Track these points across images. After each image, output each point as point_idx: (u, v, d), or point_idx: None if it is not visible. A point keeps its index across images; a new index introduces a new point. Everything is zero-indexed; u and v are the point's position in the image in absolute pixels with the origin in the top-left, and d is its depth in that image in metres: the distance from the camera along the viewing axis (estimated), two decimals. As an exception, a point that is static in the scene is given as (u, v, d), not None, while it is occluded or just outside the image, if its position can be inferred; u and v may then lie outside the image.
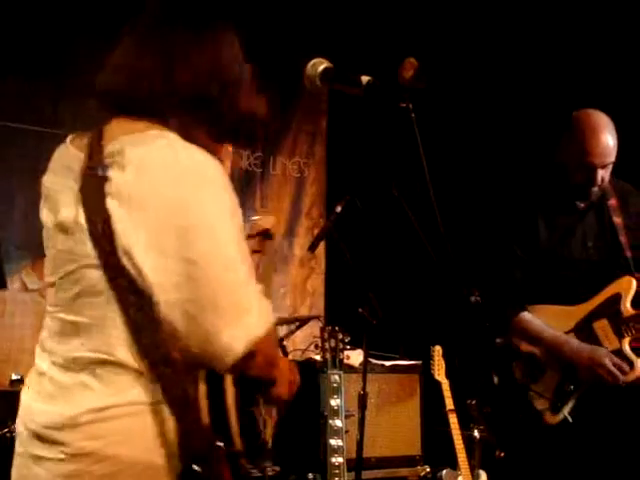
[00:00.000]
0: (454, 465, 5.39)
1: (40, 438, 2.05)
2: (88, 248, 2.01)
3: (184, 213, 1.97)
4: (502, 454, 3.89)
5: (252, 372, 2.08)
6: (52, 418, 2.03)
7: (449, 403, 5.43)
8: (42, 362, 2.13)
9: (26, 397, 2.14)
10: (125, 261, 1.97)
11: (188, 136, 2.09)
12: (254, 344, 2.00)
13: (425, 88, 2.30)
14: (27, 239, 4.61)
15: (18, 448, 2.12)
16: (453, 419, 5.39)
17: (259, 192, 6.62)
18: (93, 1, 5.50)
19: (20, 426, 2.13)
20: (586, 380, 3.73)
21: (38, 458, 2.05)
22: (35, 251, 4.24)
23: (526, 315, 3.88)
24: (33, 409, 2.09)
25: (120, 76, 2.14)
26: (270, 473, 4.77)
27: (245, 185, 6.53)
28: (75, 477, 1.99)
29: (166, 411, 1.98)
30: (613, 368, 3.66)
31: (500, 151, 6.17)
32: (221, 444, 2.04)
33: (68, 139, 2.19)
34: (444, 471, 5.44)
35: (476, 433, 5.08)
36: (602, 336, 3.73)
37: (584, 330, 3.73)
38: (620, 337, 3.69)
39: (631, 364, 3.68)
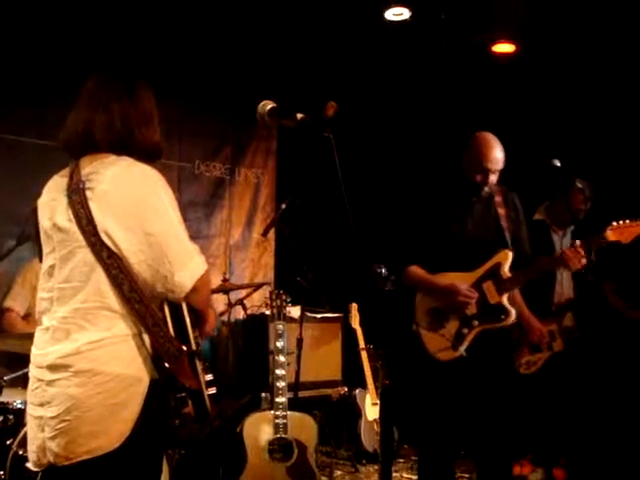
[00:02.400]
0: (364, 386, 5.50)
1: (52, 368, 2.19)
2: (77, 236, 2.21)
3: (141, 203, 2.21)
4: (388, 381, 3.97)
5: (195, 299, 2.28)
6: (61, 352, 2.18)
7: (361, 343, 5.53)
8: (47, 321, 2.27)
9: (36, 347, 2.28)
10: (105, 239, 2.18)
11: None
12: (197, 280, 2.24)
13: (341, 122, 2.37)
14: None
15: (32, 384, 2.25)
16: (364, 354, 5.49)
17: (228, 193, 6.63)
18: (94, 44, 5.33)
19: (33, 367, 2.26)
20: (451, 305, 3.69)
21: (51, 382, 2.18)
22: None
23: (413, 268, 3.80)
24: (47, 351, 2.21)
25: (78, 128, 2.33)
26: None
27: (218, 188, 6.55)
28: (81, 386, 2.14)
29: (142, 338, 2.21)
30: (465, 294, 3.67)
31: (409, 163, 6.24)
32: (184, 347, 2.23)
33: (55, 175, 2.39)
34: (357, 390, 5.53)
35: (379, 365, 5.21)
36: (488, 293, 3.69)
37: (476, 289, 3.68)
38: (500, 293, 3.67)
39: (507, 313, 3.65)
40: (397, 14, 5.27)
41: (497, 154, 3.74)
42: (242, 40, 5.64)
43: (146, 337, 2.20)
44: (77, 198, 2.21)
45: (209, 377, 2.30)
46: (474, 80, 5.88)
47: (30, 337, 4.09)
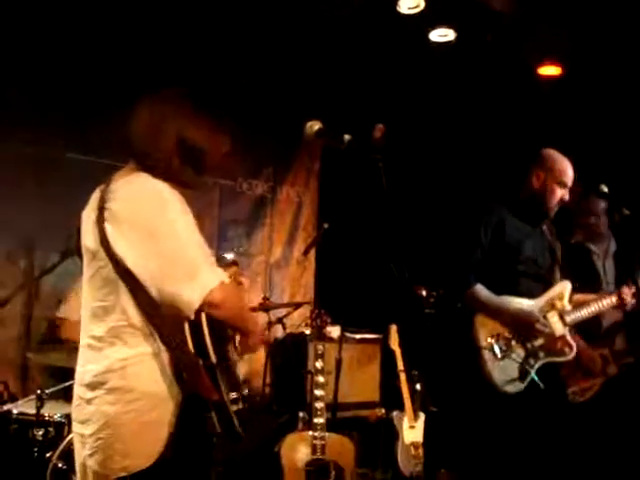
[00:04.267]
0: (402, 408, 5.44)
1: (89, 386, 2.21)
2: (101, 254, 2.21)
3: (149, 224, 2.18)
4: (434, 408, 3.85)
5: (218, 315, 2.22)
6: (96, 370, 2.21)
7: (400, 365, 5.47)
8: (83, 340, 2.29)
9: (78, 364, 2.30)
10: (121, 259, 2.17)
11: (173, 175, 2.29)
12: (207, 295, 2.15)
13: (387, 145, 2.36)
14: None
15: (75, 401, 2.28)
16: (402, 377, 5.42)
17: (269, 211, 6.64)
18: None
19: (76, 384, 2.29)
20: (525, 335, 3.54)
21: (90, 400, 2.21)
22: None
23: (479, 287, 3.57)
24: (85, 369, 2.25)
25: (136, 133, 2.33)
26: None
27: (259, 206, 6.56)
28: (114, 403, 2.16)
29: (163, 356, 2.19)
30: (543, 323, 3.53)
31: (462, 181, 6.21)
32: (200, 360, 2.19)
33: (98, 187, 2.38)
34: (395, 412, 5.46)
35: (418, 387, 5.14)
36: (553, 325, 3.59)
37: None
38: (564, 325, 3.62)
39: (571, 347, 3.60)
40: (442, 35, 5.27)
41: (571, 171, 3.68)
42: (289, 60, 5.67)
43: (167, 353, 2.20)
44: (99, 217, 2.24)
45: (235, 394, 2.26)
46: (520, 102, 5.84)
47: (73, 350, 4.16)
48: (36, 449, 3.81)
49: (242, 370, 2.34)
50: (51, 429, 3.87)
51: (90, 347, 2.24)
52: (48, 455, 3.77)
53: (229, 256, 2.56)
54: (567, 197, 3.71)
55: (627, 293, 3.83)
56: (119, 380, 2.16)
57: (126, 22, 5.09)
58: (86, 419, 2.20)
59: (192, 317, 2.18)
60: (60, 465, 3.72)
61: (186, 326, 2.20)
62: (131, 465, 2.15)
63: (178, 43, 5.29)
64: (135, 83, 5.10)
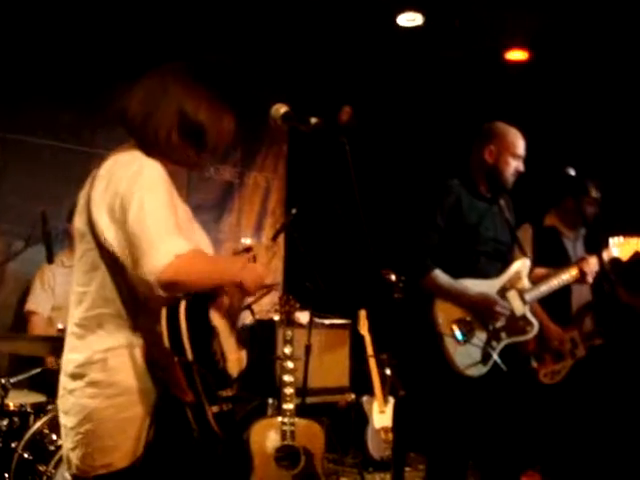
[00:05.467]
0: (372, 393, 5.46)
1: (72, 376, 2.13)
2: (88, 237, 2.11)
3: (125, 198, 2.02)
4: (403, 392, 3.84)
5: (180, 288, 2.02)
6: (77, 360, 2.12)
7: (369, 351, 5.48)
8: (69, 327, 2.20)
9: (63, 354, 2.21)
10: (103, 240, 2.06)
11: (171, 151, 2.18)
12: (176, 259, 1.94)
13: (356, 127, 2.32)
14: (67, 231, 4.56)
15: (60, 390, 2.18)
16: (372, 362, 5.45)
17: (237, 197, 6.61)
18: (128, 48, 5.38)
19: (61, 375, 2.19)
20: (486, 318, 3.49)
21: (71, 391, 2.13)
22: (71, 240, 4.18)
23: (437, 272, 3.50)
24: (67, 358, 2.16)
25: (134, 108, 2.20)
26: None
27: (227, 191, 6.52)
28: (94, 397, 2.07)
29: (141, 351, 2.08)
30: (503, 305, 3.50)
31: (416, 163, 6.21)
32: (176, 357, 2.02)
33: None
34: (364, 397, 5.49)
35: (387, 372, 5.16)
36: (513, 303, 3.55)
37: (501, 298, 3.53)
38: (524, 304, 3.58)
39: (532, 325, 3.57)
40: (410, 19, 5.25)
41: (522, 141, 3.65)
42: (253, 43, 5.63)
43: (148, 348, 2.10)
44: (87, 198, 2.13)
45: (224, 392, 2.10)
46: (486, 87, 5.85)
47: (39, 340, 4.10)
48: (0, 439, 3.75)
49: (234, 370, 2.20)
50: (16, 419, 3.81)
51: (73, 335, 2.15)
52: (13, 445, 3.71)
53: (247, 241, 2.41)
54: (522, 168, 3.66)
55: (588, 264, 3.80)
56: (99, 373, 2.07)
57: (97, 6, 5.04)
58: (67, 410, 2.13)
59: (161, 293, 1.98)
60: (26, 456, 3.66)
61: (163, 319, 2.03)
62: (110, 463, 2.07)
63: (138, 21, 5.25)
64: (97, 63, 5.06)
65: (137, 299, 2.09)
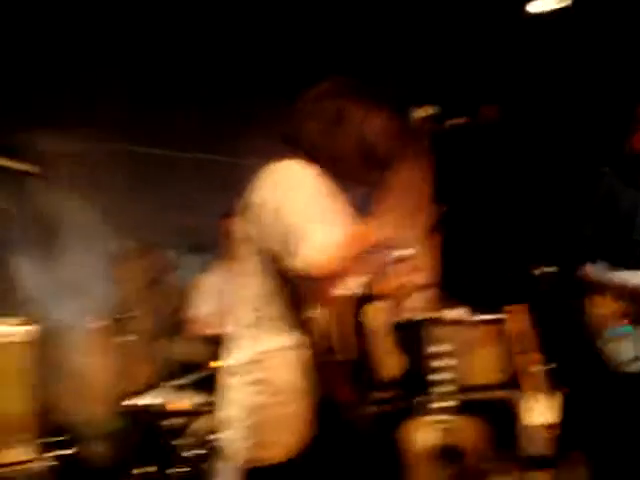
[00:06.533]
0: (526, 390, 5.33)
1: (234, 375, 2.24)
2: (248, 243, 2.21)
3: (278, 203, 2.09)
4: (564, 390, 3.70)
5: (337, 276, 2.07)
6: (238, 358, 2.23)
7: (521, 347, 5.35)
8: (231, 327, 2.30)
9: (225, 352, 2.31)
10: (261, 245, 2.15)
11: (348, 175, 2.26)
12: (316, 263, 1.99)
13: (500, 123, 2.29)
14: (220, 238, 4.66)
15: (222, 388, 2.29)
16: (526, 357, 5.32)
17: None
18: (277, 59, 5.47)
19: (222, 373, 2.30)
20: None
21: (233, 388, 2.24)
22: (225, 246, 4.31)
23: (593, 265, 3.38)
24: (230, 358, 2.27)
25: (312, 139, 2.25)
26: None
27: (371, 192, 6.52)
28: (255, 395, 2.17)
29: (302, 351, 2.16)
30: None
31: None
32: (332, 358, 2.13)
33: None
34: (518, 394, 5.35)
35: (542, 368, 5.01)
36: None
37: None
38: None
39: None
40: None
41: None
42: (387, 45, 5.61)
43: (307, 348, 2.20)
44: (245, 205, 2.24)
45: (379, 394, 2.19)
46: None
47: (201, 343, 4.30)
48: (165, 438, 3.95)
49: (391, 370, 2.24)
50: (180, 419, 4.00)
51: (235, 336, 2.27)
52: (177, 443, 3.89)
53: (405, 251, 2.40)
54: None
55: None
56: (260, 372, 2.17)
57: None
58: (229, 406, 2.24)
59: (314, 274, 2.01)
60: (194, 452, 3.85)
61: (322, 321, 2.15)
62: (269, 457, 2.16)
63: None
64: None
65: (295, 303, 2.18)
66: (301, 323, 2.18)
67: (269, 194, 2.15)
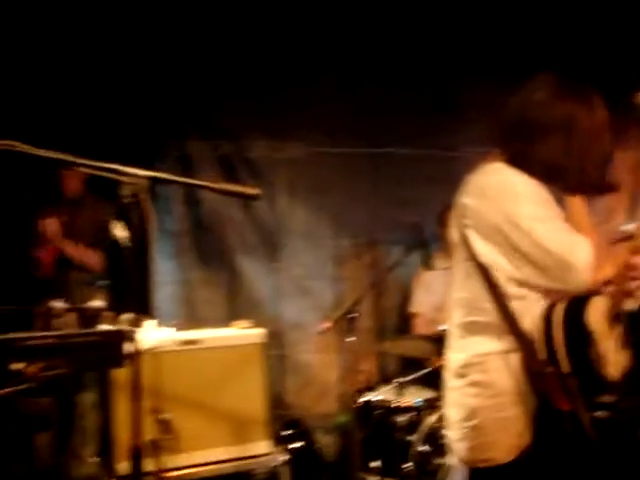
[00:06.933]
0: None
1: (455, 375, 2.27)
2: (463, 249, 2.25)
3: (502, 220, 2.12)
4: None
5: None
6: (457, 360, 2.25)
7: None
8: (450, 326, 2.33)
9: (448, 351, 2.34)
10: (476, 254, 2.18)
11: (581, 187, 2.22)
12: (587, 277, 2.07)
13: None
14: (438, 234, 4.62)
15: (445, 387, 2.33)
16: None
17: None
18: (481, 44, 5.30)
19: (446, 371, 2.33)
20: None
21: (454, 388, 2.27)
22: (443, 243, 4.29)
23: None
24: (451, 358, 2.30)
25: (552, 156, 2.18)
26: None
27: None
28: (475, 396, 2.19)
29: (517, 356, 2.14)
30: None
31: None
32: (551, 368, 2.06)
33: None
34: None
35: None
36: None
37: None
38: None
39: None
40: None
41: None
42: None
43: (521, 354, 2.16)
44: (458, 210, 2.27)
45: (605, 398, 2.07)
46: None
47: (424, 340, 4.31)
48: (398, 433, 4.01)
49: (615, 371, 2.11)
50: (412, 414, 4.05)
51: (454, 336, 2.30)
52: (410, 439, 3.94)
53: (630, 226, 2.22)
54: None
55: None
56: (479, 374, 2.19)
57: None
58: (452, 406, 2.28)
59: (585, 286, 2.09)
60: (423, 448, 3.88)
61: (538, 330, 2.11)
62: (490, 458, 2.17)
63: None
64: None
65: (508, 310, 2.15)
66: (514, 332, 2.14)
67: (485, 208, 2.16)
